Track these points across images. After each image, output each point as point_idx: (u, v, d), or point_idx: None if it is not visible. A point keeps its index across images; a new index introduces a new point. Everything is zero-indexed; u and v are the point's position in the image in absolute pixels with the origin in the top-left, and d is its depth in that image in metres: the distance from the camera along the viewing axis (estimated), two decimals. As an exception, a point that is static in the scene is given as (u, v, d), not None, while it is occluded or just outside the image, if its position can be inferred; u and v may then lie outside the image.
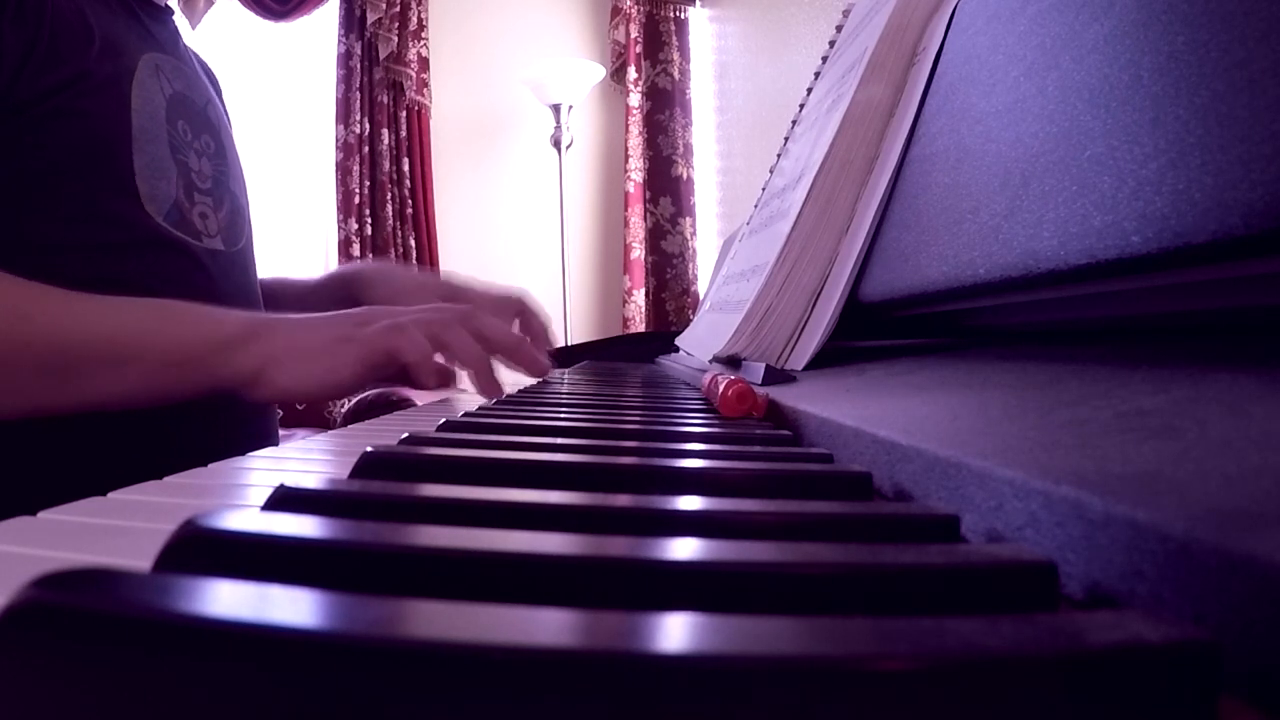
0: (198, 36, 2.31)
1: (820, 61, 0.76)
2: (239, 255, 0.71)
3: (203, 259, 0.66)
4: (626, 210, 2.69)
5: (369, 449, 0.24)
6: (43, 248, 0.56)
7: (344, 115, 2.63)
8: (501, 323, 0.60)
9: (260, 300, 0.77)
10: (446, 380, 0.57)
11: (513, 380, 0.71)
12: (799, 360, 0.46)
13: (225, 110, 0.83)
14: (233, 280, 0.69)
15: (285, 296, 0.84)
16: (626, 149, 2.69)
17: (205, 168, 0.69)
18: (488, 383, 0.57)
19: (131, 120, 0.60)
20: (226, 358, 0.50)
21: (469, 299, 0.77)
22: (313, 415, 2.40)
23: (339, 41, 2.64)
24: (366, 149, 2.65)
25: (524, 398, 0.53)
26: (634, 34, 2.67)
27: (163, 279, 0.62)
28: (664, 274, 2.67)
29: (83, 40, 0.58)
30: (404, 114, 2.65)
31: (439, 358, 0.56)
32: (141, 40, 0.65)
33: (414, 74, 2.64)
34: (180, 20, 0.75)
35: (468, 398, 0.73)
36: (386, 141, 2.65)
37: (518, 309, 0.78)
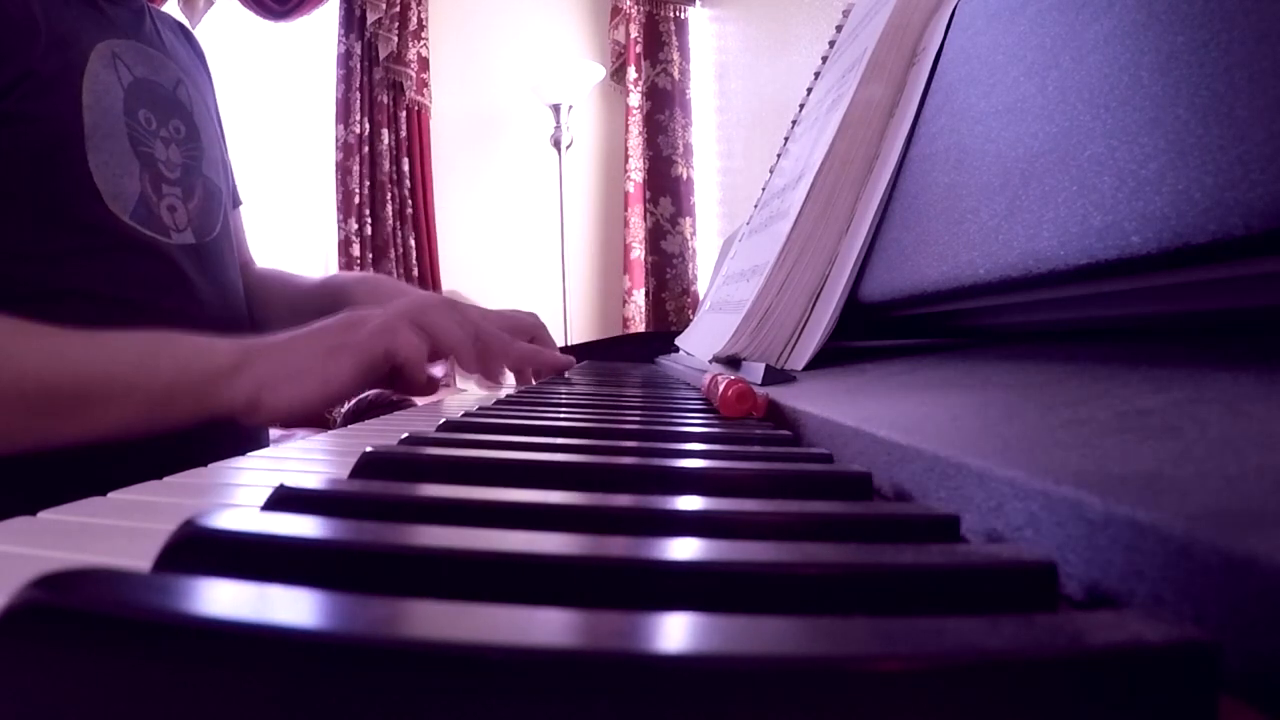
0: (196, 36, 2.31)
1: (820, 61, 0.76)
2: (213, 245, 0.70)
3: (174, 256, 0.64)
4: (626, 210, 2.70)
5: (369, 449, 0.24)
6: (8, 257, 0.55)
7: (344, 115, 2.63)
8: (488, 313, 0.58)
9: (239, 290, 0.74)
10: (434, 386, 0.56)
11: (511, 382, 0.70)
12: (799, 360, 0.46)
13: (210, 83, 0.80)
14: (208, 274, 0.68)
15: (279, 296, 0.82)
16: (626, 149, 2.69)
17: (174, 156, 0.67)
18: (472, 362, 0.55)
19: (84, 118, 0.59)
20: (218, 389, 0.49)
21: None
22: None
23: (339, 41, 2.64)
24: (366, 149, 2.65)
25: (524, 398, 0.53)
26: (634, 34, 2.68)
27: (134, 281, 0.61)
28: (664, 274, 2.68)
29: (27, 37, 0.56)
30: (404, 114, 2.65)
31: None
32: (97, 29, 0.63)
33: (414, 74, 2.64)
34: (177, 18, 0.74)
35: (469, 397, 0.73)
36: (386, 141, 2.65)
37: (530, 332, 0.72)
